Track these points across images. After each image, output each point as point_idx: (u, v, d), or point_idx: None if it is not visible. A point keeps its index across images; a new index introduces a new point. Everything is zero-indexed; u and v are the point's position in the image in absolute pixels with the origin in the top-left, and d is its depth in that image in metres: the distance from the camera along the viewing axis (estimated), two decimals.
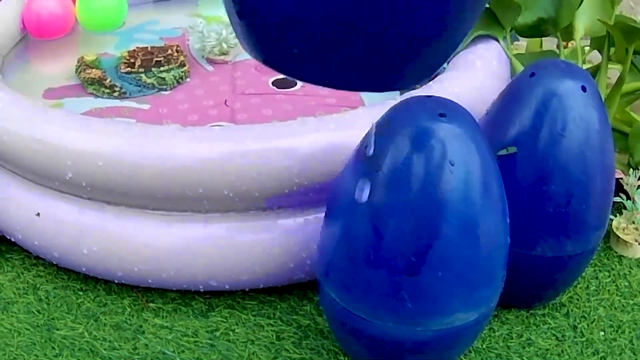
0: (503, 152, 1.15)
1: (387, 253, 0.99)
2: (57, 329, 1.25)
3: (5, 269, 1.37)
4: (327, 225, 1.09)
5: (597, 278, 1.39)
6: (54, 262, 1.31)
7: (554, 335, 1.26)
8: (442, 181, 0.96)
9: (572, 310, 1.31)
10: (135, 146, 1.14)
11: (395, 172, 0.97)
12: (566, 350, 1.23)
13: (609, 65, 1.61)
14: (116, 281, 1.28)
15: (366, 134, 1.03)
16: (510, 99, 1.20)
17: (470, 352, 1.22)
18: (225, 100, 1.50)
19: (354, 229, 1.02)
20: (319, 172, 1.17)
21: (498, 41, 1.53)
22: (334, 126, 1.20)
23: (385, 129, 1.01)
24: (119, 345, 1.22)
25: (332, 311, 1.11)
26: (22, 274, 1.36)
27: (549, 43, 1.93)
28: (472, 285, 1.03)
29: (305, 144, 1.16)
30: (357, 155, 1.05)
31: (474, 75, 1.39)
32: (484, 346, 1.23)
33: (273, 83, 1.56)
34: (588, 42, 1.70)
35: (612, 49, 1.57)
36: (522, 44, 1.90)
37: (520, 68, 1.53)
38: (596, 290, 1.36)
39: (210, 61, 1.65)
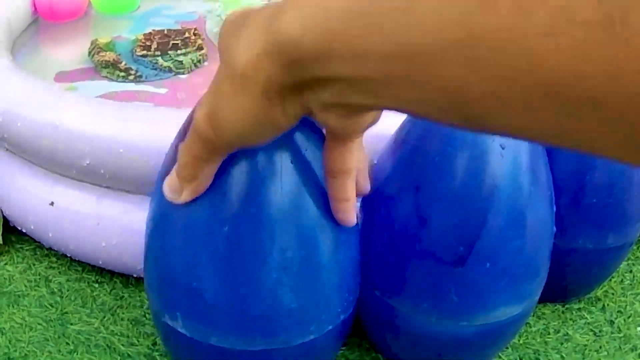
0: None
1: (433, 243, 0.93)
2: (71, 324, 1.18)
3: (15, 260, 1.30)
4: (365, 214, 1.03)
5: (631, 272, 1.34)
6: (68, 254, 1.25)
7: (592, 330, 1.21)
8: (493, 166, 0.90)
9: (607, 304, 1.27)
10: (159, 132, 1.08)
11: (443, 156, 0.92)
12: (604, 346, 1.18)
13: None
14: (135, 275, 1.22)
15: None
16: None
17: (507, 348, 1.17)
18: None
19: (397, 218, 0.96)
20: None
21: None
22: None
23: None
24: (138, 341, 1.16)
25: (368, 305, 1.05)
26: (34, 265, 1.30)
27: None
28: (518, 278, 0.98)
29: None
30: (395, 141, 0.99)
31: None
32: (521, 342, 1.18)
33: None
34: None
35: None
36: None
37: None
38: (631, 285, 1.32)
39: None
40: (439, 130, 0.94)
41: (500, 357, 1.15)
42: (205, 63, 1.50)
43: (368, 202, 1.04)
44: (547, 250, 1.01)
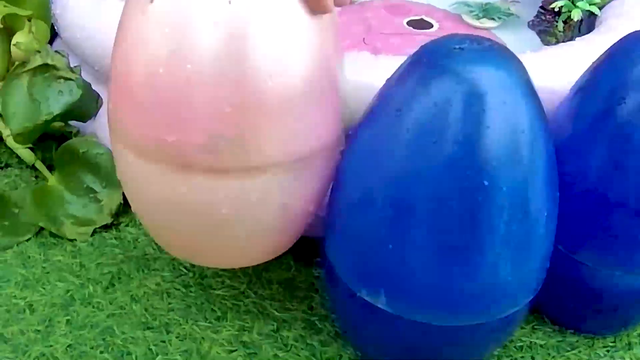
0: None
1: (628, 193, 0.90)
2: (214, 289, 1.10)
3: (137, 222, 1.19)
4: None
5: None
6: None
7: None
8: None
9: None
10: None
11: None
12: None
13: None
14: None
15: None
16: None
17: None
18: (364, 39, 1.37)
19: (590, 170, 0.92)
20: None
21: None
22: None
23: None
24: (292, 305, 1.08)
25: (551, 262, 1.01)
26: None
27: None
28: None
29: None
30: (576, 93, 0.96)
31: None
32: None
33: (408, 23, 1.45)
34: None
35: None
36: None
37: None
38: None
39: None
40: (632, 75, 0.90)
41: None
42: None
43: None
44: None
